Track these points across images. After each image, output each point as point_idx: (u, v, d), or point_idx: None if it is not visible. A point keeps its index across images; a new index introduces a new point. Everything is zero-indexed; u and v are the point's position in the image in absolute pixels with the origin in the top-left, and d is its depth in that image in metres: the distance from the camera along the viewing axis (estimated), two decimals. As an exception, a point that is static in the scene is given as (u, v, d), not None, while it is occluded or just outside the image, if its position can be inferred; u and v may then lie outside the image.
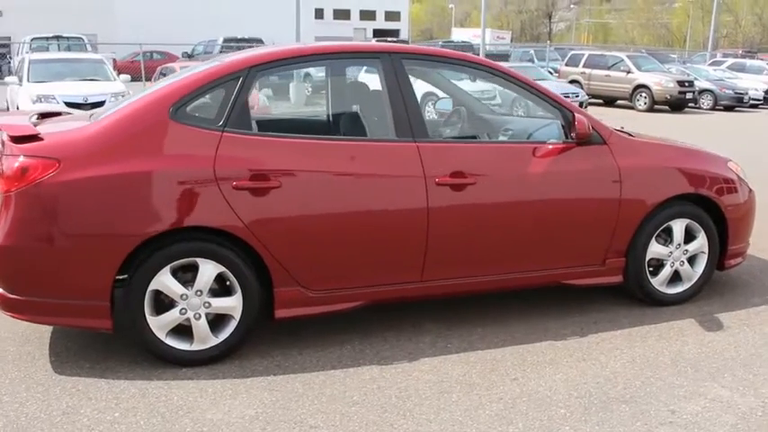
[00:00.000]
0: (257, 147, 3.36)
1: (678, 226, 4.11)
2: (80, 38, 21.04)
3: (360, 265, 3.52)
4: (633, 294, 4.20)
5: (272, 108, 11.34)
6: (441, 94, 4.96)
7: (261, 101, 12.89)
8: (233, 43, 25.66)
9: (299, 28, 24.00)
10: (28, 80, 12.09)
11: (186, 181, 3.22)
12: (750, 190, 4.43)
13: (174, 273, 3.30)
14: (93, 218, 3.16)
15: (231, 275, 3.35)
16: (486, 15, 25.11)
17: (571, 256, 3.91)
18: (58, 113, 4.35)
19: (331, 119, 4.26)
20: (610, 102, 21.03)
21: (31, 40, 19.90)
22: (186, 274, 3.33)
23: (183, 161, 3.24)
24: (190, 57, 26.68)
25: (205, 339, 3.37)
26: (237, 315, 3.40)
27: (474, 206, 3.63)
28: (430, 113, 5.57)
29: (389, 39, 35.42)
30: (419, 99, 3.67)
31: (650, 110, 19.42)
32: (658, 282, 4.15)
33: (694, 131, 14.79)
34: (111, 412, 2.98)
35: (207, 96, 3.43)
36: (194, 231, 3.28)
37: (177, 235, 3.25)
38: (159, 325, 3.31)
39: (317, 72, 11.74)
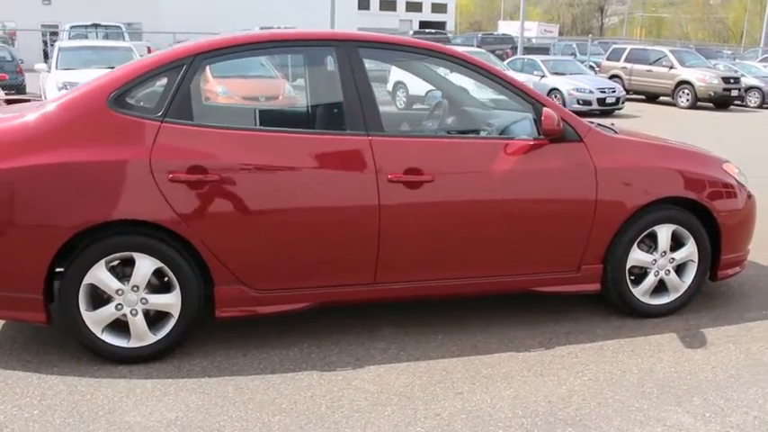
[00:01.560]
0: (198, 138, 3.20)
1: (664, 232, 3.80)
2: (118, 26, 21.27)
3: (307, 264, 3.34)
4: (614, 304, 3.91)
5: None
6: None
7: (287, 91, 12.77)
8: (270, 33, 25.60)
9: (333, 18, 23.82)
10: (56, 67, 12.24)
11: (120, 172, 3.09)
12: (749, 195, 4.08)
13: (114, 267, 3.19)
14: (24, 208, 3.06)
15: (169, 271, 3.21)
16: (525, 6, 24.53)
17: (540, 261, 3.64)
18: (27, 101, 4.29)
19: (280, 110, 4.07)
20: (652, 98, 20.24)
21: (70, 27, 20.24)
22: (126, 269, 3.21)
23: (118, 151, 3.10)
24: None
25: (143, 336, 3.25)
26: (176, 313, 3.26)
27: (432, 205, 3.40)
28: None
29: (428, 31, 34.88)
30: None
31: (692, 107, 18.58)
32: (640, 291, 3.85)
33: (734, 130, 14.13)
34: (31, 409, 2.87)
35: (149, 85, 3.29)
36: (130, 225, 3.15)
37: (111, 228, 3.12)
38: (95, 320, 3.20)
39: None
